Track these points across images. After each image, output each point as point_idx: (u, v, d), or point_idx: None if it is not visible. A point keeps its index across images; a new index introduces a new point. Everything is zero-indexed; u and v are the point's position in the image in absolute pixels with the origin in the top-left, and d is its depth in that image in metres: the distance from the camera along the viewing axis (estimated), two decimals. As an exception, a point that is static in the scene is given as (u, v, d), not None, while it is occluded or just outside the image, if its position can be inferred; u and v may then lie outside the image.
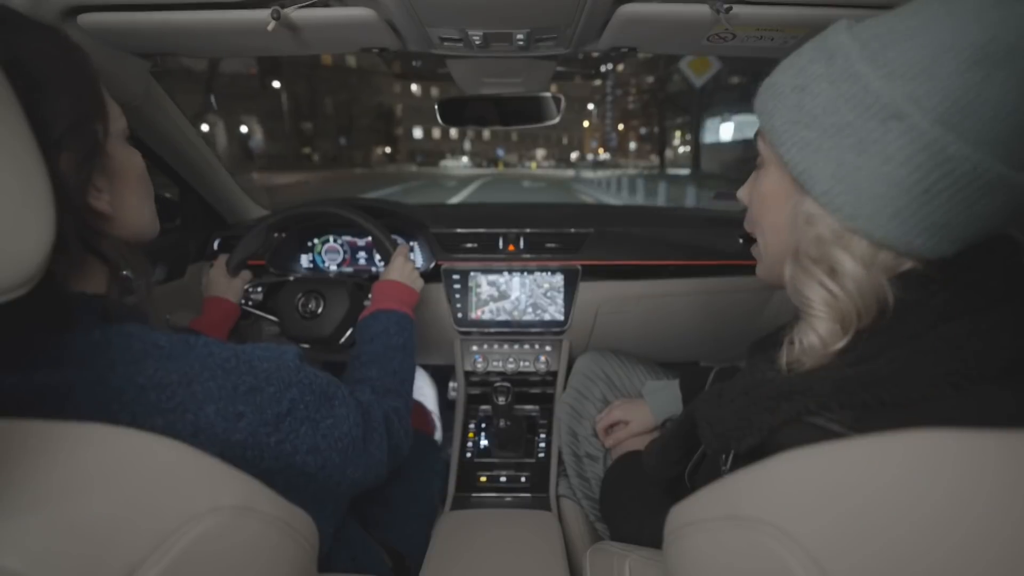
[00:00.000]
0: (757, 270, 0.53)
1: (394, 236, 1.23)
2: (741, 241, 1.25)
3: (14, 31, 0.40)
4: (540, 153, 64.22)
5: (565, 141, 68.98)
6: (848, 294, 0.39)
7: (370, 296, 0.95)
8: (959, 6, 0.33)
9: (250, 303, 1.05)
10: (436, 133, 58.68)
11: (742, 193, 0.53)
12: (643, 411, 0.92)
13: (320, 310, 0.99)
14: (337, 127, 39.84)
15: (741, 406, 0.44)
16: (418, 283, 0.95)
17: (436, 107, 1.07)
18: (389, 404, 0.68)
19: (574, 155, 62.53)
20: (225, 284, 1.04)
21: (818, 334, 0.41)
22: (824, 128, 0.38)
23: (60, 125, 0.39)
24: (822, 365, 0.41)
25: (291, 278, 1.07)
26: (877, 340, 0.38)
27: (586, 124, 64.17)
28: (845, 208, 0.38)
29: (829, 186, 0.39)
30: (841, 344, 0.40)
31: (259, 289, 1.06)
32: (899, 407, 0.35)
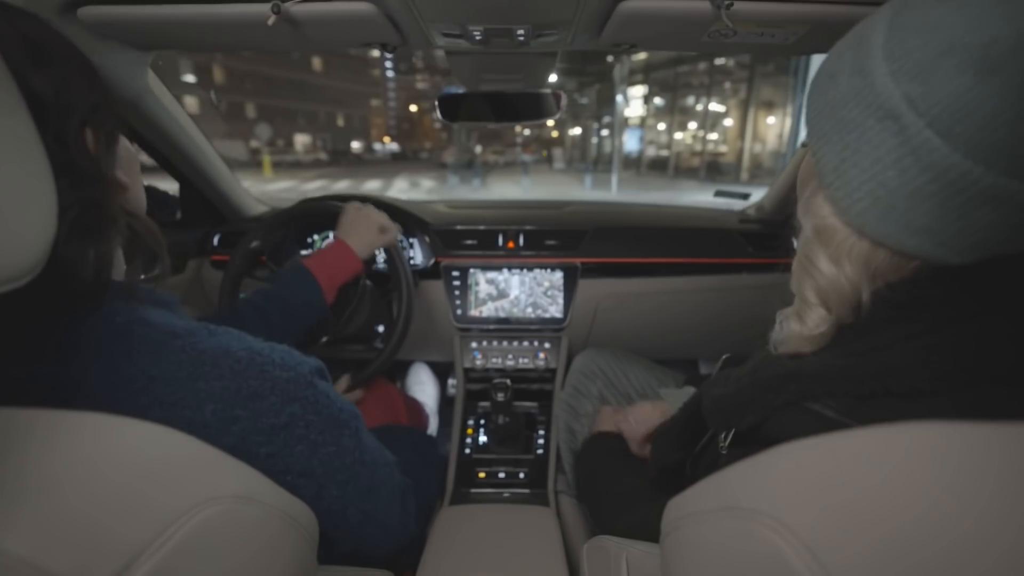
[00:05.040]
0: None
1: None
2: None
3: (23, 19, 0.40)
4: (301, 140, 36.95)
5: (341, 123, 42.28)
6: (830, 289, 0.41)
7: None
8: (972, 2, 0.31)
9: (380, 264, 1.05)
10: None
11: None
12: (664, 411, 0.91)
13: None
14: None
15: (746, 385, 0.45)
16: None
17: (436, 103, 1.07)
18: (407, 481, 0.66)
19: (357, 144, 40.14)
20: (373, 233, 0.99)
21: (800, 317, 0.43)
22: (835, 121, 0.38)
23: (85, 104, 0.40)
24: (828, 349, 0.42)
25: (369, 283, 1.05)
26: (889, 332, 0.39)
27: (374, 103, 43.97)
28: (840, 202, 0.39)
29: (832, 179, 0.39)
30: (821, 329, 0.41)
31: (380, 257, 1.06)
32: (903, 398, 0.35)
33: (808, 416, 0.38)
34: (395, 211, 1.23)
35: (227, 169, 1.24)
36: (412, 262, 1.25)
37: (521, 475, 1.10)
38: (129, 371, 0.39)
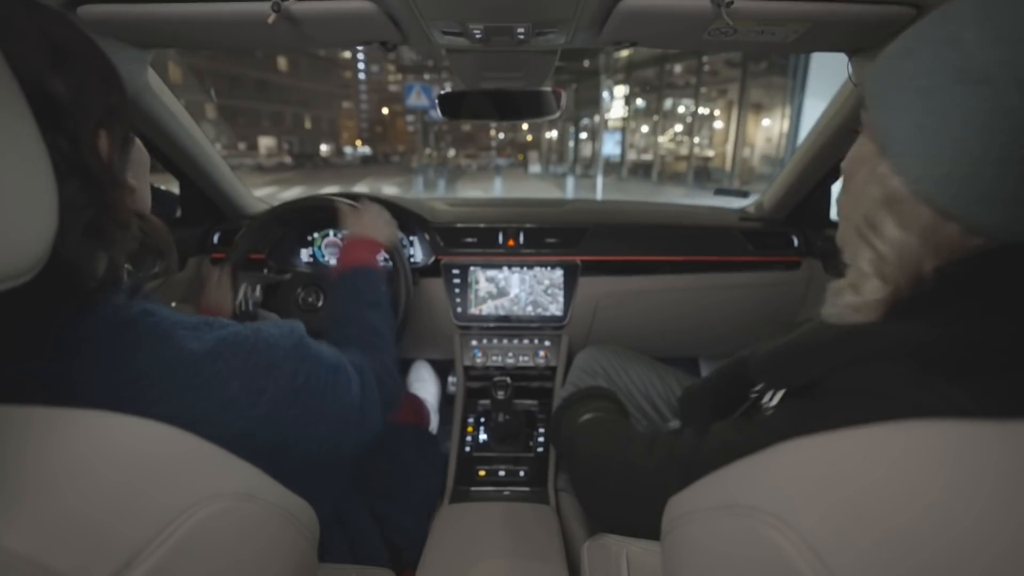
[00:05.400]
0: (837, 235, 0.54)
1: None
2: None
3: (46, 17, 0.40)
4: (265, 143, 33.90)
5: (309, 125, 39.39)
6: (892, 257, 0.41)
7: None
8: None
9: (250, 305, 1.05)
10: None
11: (844, 162, 0.53)
12: None
13: (320, 303, 0.99)
14: None
15: (806, 343, 0.45)
16: (384, 230, 0.95)
17: (436, 101, 1.07)
18: (378, 361, 0.69)
19: (326, 147, 37.72)
20: (219, 294, 1.03)
21: (855, 289, 0.43)
22: (915, 91, 0.38)
23: (101, 107, 0.41)
24: (887, 321, 0.42)
25: (288, 276, 1.06)
26: (951, 309, 0.39)
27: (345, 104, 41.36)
28: (913, 171, 0.39)
29: (904, 148, 0.39)
30: (878, 296, 0.42)
31: (257, 289, 1.06)
32: (971, 373, 0.36)
33: (875, 373, 0.38)
34: (395, 209, 1.24)
35: (227, 167, 1.24)
36: (412, 260, 1.25)
37: (521, 473, 1.10)
38: (142, 360, 0.40)
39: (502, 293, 1.23)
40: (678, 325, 1.32)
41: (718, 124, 16.40)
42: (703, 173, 16.09)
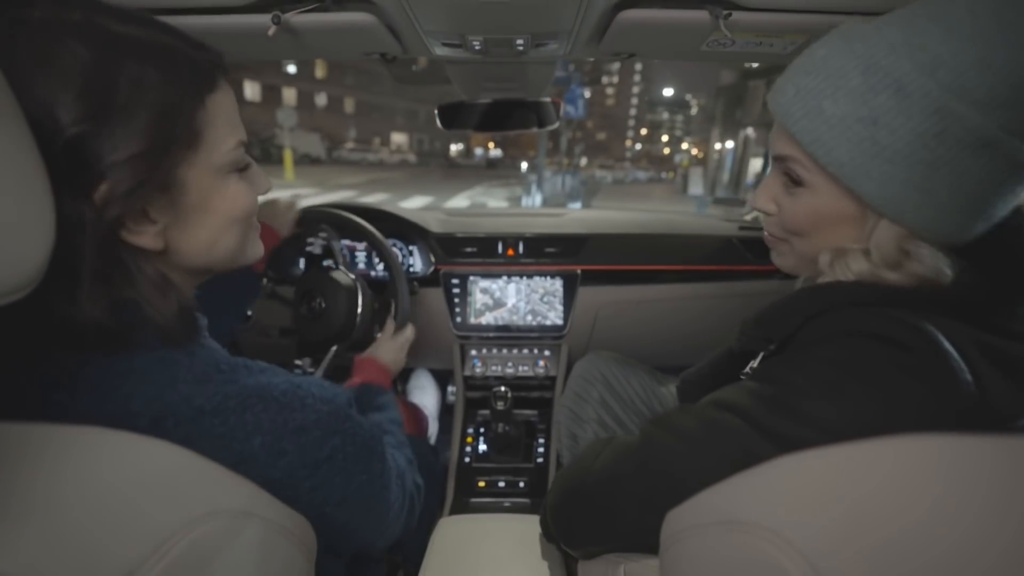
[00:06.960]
0: (782, 262, 0.57)
1: (393, 240, 1.23)
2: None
3: (111, 47, 0.36)
4: (396, 139, 33.96)
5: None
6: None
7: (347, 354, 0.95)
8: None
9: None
10: None
11: (764, 203, 0.53)
12: None
13: (323, 308, 0.99)
14: None
15: (784, 300, 0.48)
16: (400, 365, 0.96)
17: (436, 112, 1.08)
18: (415, 480, 0.66)
19: (455, 147, 35.12)
20: (280, 212, 1.00)
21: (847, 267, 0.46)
22: (914, 163, 0.39)
23: (108, 158, 0.36)
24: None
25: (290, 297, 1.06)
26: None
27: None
28: (927, 231, 0.42)
29: (921, 219, 0.41)
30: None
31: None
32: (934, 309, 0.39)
33: (846, 316, 0.41)
34: (394, 220, 1.24)
35: None
36: (411, 269, 1.25)
37: (521, 484, 1.09)
38: (174, 399, 0.38)
39: (501, 303, 1.23)
40: (678, 333, 1.32)
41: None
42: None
